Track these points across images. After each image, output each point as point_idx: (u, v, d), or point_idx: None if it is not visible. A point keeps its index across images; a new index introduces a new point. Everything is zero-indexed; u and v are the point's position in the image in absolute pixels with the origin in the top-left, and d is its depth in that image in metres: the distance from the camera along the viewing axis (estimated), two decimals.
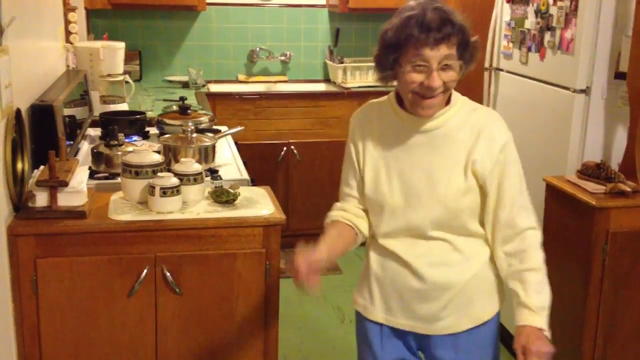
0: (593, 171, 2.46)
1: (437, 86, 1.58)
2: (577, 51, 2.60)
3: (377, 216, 1.75)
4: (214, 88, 4.38)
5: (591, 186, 2.41)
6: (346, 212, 1.81)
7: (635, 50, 2.40)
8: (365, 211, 1.80)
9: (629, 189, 2.36)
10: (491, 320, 1.77)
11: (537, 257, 1.68)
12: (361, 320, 1.85)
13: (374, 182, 1.73)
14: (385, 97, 1.80)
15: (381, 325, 1.80)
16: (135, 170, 2.05)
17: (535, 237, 1.69)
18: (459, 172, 1.66)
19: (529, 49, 2.96)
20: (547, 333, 1.63)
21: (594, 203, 2.33)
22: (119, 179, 2.16)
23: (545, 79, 2.82)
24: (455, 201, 1.65)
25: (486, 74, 3.29)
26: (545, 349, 1.58)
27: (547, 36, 2.81)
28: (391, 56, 1.62)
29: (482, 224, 1.72)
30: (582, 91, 2.61)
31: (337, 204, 1.85)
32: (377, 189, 1.72)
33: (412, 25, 1.56)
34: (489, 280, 1.76)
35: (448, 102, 1.69)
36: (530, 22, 2.95)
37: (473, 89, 3.38)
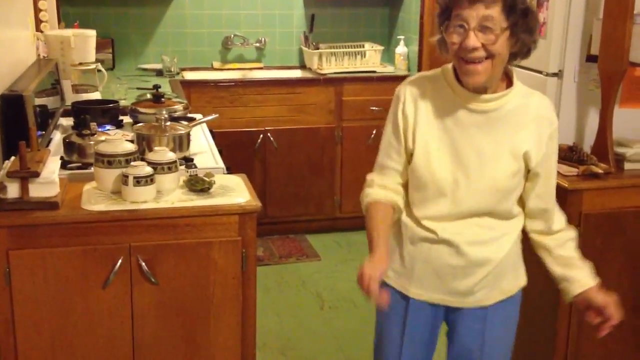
0: (566, 154, 2.49)
1: (472, 45, 1.55)
2: (550, 35, 2.62)
3: (421, 192, 1.74)
4: (189, 76, 4.35)
5: (564, 169, 2.44)
6: (387, 189, 1.78)
7: (605, 33, 2.42)
8: (404, 186, 1.79)
9: (601, 171, 2.39)
10: (517, 293, 1.86)
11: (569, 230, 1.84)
12: (388, 292, 1.76)
13: (425, 157, 1.71)
14: (438, 70, 1.77)
15: (410, 297, 1.82)
16: (108, 160, 2.03)
17: (563, 218, 1.84)
18: (511, 156, 1.68)
19: None
20: None
21: (566, 185, 2.36)
22: (91, 169, 2.14)
23: (518, 62, 2.83)
24: (504, 185, 1.69)
25: None
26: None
27: None
28: (442, 19, 1.62)
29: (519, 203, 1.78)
30: (554, 74, 2.63)
31: (376, 179, 1.81)
32: (428, 164, 1.70)
33: None
34: (518, 255, 1.84)
35: (509, 85, 1.69)
36: None
37: None
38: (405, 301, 1.83)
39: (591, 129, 2.61)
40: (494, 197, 1.70)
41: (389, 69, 4.47)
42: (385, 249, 1.69)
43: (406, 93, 1.76)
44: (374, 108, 4.28)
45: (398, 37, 4.52)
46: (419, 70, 4.28)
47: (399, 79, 4.43)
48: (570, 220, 2.35)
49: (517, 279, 1.86)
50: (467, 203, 1.70)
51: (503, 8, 1.55)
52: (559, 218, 1.83)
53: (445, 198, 1.71)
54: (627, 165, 2.48)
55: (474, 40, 1.55)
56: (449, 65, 1.73)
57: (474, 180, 1.68)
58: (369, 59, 4.48)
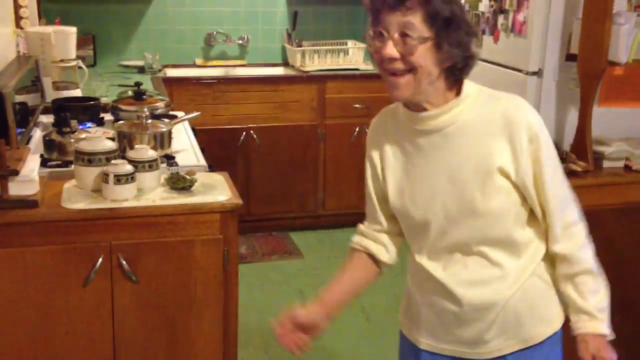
0: None
1: (388, 54, 1.40)
2: (530, 34, 2.64)
3: (406, 230, 1.60)
4: (171, 73, 4.33)
5: None
6: (365, 237, 1.67)
7: (585, 33, 2.44)
8: (389, 233, 1.66)
9: (579, 169, 2.42)
10: (547, 340, 1.58)
11: (586, 256, 1.53)
12: (403, 342, 1.72)
13: (397, 193, 1.56)
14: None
15: (421, 349, 1.64)
16: (89, 158, 2.02)
17: (580, 233, 1.54)
18: (484, 172, 1.46)
19: (483, 32, 2.98)
20: (610, 336, 1.54)
21: None
22: (72, 167, 2.13)
23: (499, 61, 2.86)
24: (485, 207, 1.46)
25: None
26: (612, 356, 1.52)
27: (501, 19, 2.84)
28: (369, 27, 1.47)
29: (529, 228, 1.53)
30: (534, 73, 2.65)
31: (360, 226, 1.69)
32: (400, 200, 1.56)
33: None
34: (541, 294, 1.56)
35: (459, 94, 1.49)
36: (484, 5, 2.97)
37: None
38: (417, 353, 1.65)
39: (570, 128, 2.64)
40: (480, 223, 1.48)
41: (371, 67, 4.48)
42: (324, 297, 1.65)
43: (370, 132, 1.64)
44: (357, 106, 4.29)
45: None
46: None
47: (381, 77, 4.46)
48: None
49: (543, 324, 1.57)
50: (454, 235, 1.51)
51: (425, 16, 1.39)
52: (558, 238, 1.52)
53: (428, 232, 1.53)
54: (606, 164, 2.51)
55: (390, 49, 1.40)
56: None
57: (452, 206, 1.49)
58: (352, 56, 4.49)
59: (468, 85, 1.51)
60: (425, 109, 1.48)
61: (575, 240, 1.53)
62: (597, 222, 2.44)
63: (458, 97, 1.48)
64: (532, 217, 1.53)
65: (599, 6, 2.36)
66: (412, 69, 1.41)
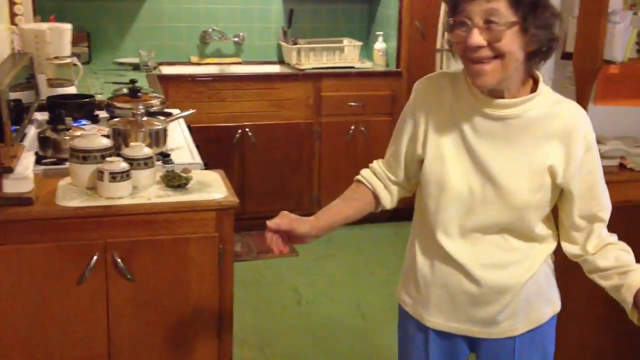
0: None
1: (475, 43, 1.39)
2: None
3: (433, 200, 1.58)
4: (166, 70, 4.32)
5: None
6: (375, 175, 1.69)
7: (580, 31, 2.44)
8: (400, 185, 1.68)
9: None
10: (549, 321, 1.68)
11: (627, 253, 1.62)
12: (407, 319, 1.73)
13: (438, 161, 1.55)
14: (461, 69, 1.57)
15: (429, 328, 1.67)
16: (83, 155, 2.02)
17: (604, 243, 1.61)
18: (532, 170, 1.51)
19: None
20: None
21: None
22: (66, 165, 2.12)
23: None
24: (522, 201, 1.51)
25: (438, 55, 3.31)
26: None
27: None
28: (450, 18, 1.47)
29: (547, 222, 1.60)
30: None
31: (375, 165, 1.71)
32: (441, 169, 1.55)
33: None
34: (548, 280, 1.66)
35: (534, 90, 1.51)
36: None
37: (426, 71, 3.41)
38: (424, 331, 1.68)
39: None
40: (512, 214, 1.53)
41: (367, 65, 4.48)
42: (319, 216, 1.64)
43: (421, 88, 1.62)
44: (352, 104, 4.28)
45: (377, 33, 4.53)
46: (397, 66, 4.29)
47: (377, 75, 4.48)
48: None
49: (548, 306, 1.67)
50: (482, 216, 1.54)
51: (510, 1, 1.38)
52: (597, 242, 1.60)
53: (459, 207, 1.55)
54: (603, 162, 2.50)
55: (477, 37, 1.39)
56: None
57: (490, 192, 1.52)
58: (348, 54, 4.48)
59: (545, 86, 1.53)
60: (502, 96, 1.50)
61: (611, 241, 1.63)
62: None
63: (533, 91, 1.51)
64: (551, 216, 1.61)
65: (594, 5, 2.36)
66: (499, 55, 1.41)
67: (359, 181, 1.71)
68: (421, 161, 1.60)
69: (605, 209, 1.60)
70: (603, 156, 2.50)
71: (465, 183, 1.53)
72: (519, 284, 1.58)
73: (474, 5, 1.39)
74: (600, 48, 2.37)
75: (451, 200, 1.55)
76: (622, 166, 2.52)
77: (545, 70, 2.63)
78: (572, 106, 1.54)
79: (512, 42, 1.40)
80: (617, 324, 2.56)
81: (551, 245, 1.63)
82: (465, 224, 1.56)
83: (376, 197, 1.69)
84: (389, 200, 1.69)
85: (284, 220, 1.60)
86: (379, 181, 1.69)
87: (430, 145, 1.57)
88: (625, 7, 2.51)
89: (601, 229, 1.60)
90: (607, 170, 2.48)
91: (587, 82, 2.45)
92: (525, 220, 1.54)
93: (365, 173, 1.71)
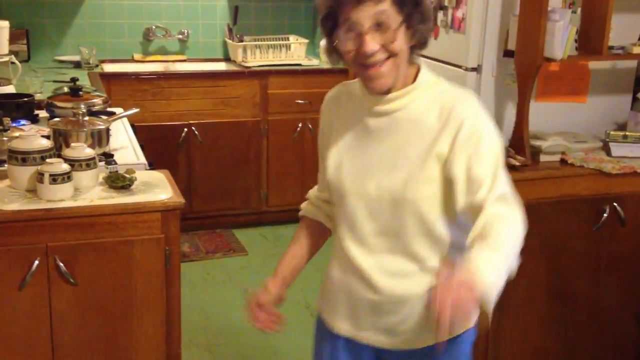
0: None
1: (370, 50, 1.37)
2: (468, 30, 2.68)
3: (337, 208, 1.58)
4: (109, 68, 4.23)
5: None
6: (311, 203, 1.71)
7: (521, 29, 2.49)
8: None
9: (518, 163, 2.47)
10: (462, 337, 1.58)
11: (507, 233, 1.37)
12: (320, 325, 1.71)
13: (336, 168, 1.55)
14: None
15: (337, 335, 1.64)
16: (22, 157, 1.96)
17: (516, 204, 1.41)
18: (422, 163, 1.45)
19: None
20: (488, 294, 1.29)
21: None
22: (5, 167, 2.05)
23: (439, 57, 2.89)
24: (412, 194, 1.45)
25: None
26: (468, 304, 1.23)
27: (440, 15, 2.87)
28: (328, 26, 1.44)
29: (453, 228, 1.50)
30: (473, 69, 2.69)
31: (310, 193, 1.73)
32: (337, 175, 1.55)
33: None
34: None
35: (415, 80, 1.48)
36: None
37: None
38: (334, 338, 1.65)
39: (509, 123, 2.69)
40: (407, 210, 1.46)
41: (314, 62, 4.48)
42: (277, 275, 1.69)
43: (324, 103, 1.64)
44: (299, 101, 4.28)
45: None
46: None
47: (324, 73, 4.48)
48: None
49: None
50: (381, 219, 1.50)
51: (394, 0, 1.37)
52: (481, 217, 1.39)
53: (359, 213, 1.52)
54: (543, 157, 2.57)
55: (371, 44, 1.37)
56: None
57: (385, 193, 1.48)
58: (294, 51, 4.48)
59: (425, 72, 1.50)
60: (389, 91, 1.47)
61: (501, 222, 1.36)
62: (535, 215, 2.49)
63: (414, 82, 1.48)
64: (459, 222, 1.48)
65: (534, 3, 2.41)
66: (391, 55, 1.40)
67: (302, 217, 1.73)
68: None
69: (485, 192, 1.38)
70: (545, 152, 2.57)
71: (362, 187, 1.51)
72: (417, 295, 1.50)
73: (362, 10, 1.37)
74: (541, 46, 2.41)
75: (352, 206, 1.53)
76: (563, 161, 2.58)
77: (487, 68, 2.68)
78: (457, 92, 1.49)
79: (401, 40, 1.40)
80: (559, 318, 2.63)
81: (462, 250, 1.47)
82: (368, 230, 1.52)
83: (323, 225, 1.70)
84: (333, 225, 1.67)
85: (252, 305, 1.66)
86: (318, 209, 1.70)
87: (330, 154, 1.57)
88: (564, 5, 2.58)
89: (489, 206, 1.38)
90: (548, 166, 2.56)
91: (528, 79, 2.50)
92: (423, 218, 1.46)
93: (304, 206, 1.73)
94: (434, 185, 1.45)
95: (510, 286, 2.55)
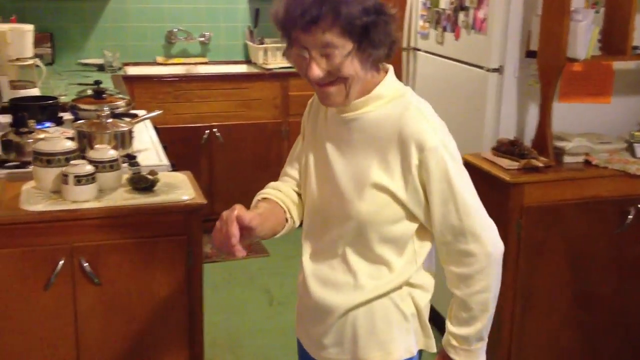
0: (507, 148, 2.54)
1: (315, 77, 1.35)
2: (490, 31, 2.67)
3: (305, 213, 1.57)
4: (131, 71, 4.27)
5: (506, 162, 2.49)
6: (280, 192, 1.58)
7: (544, 30, 2.47)
8: (300, 195, 1.61)
9: (541, 164, 2.45)
10: None
11: (480, 283, 1.45)
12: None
13: (304, 172, 1.55)
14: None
15: (301, 343, 1.64)
16: (47, 159, 1.98)
17: (479, 261, 1.43)
18: (365, 177, 1.41)
19: (445, 29, 3.01)
20: None
21: (508, 179, 2.41)
22: (30, 168, 2.08)
23: (460, 58, 2.88)
24: (355, 208, 1.42)
25: (404, 53, 3.33)
26: None
27: (461, 16, 2.86)
28: (284, 38, 1.40)
29: (397, 249, 1.46)
30: (495, 70, 2.68)
31: (272, 183, 1.63)
32: (305, 180, 1.54)
33: (283, 4, 1.35)
34: (386, 320, 1.48)
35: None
36: (445, 2, 3.00)
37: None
38: (300, 346, 1.64)
39: (531, 124, 2.67)
40: (349, 224, 1.43)
41: None
42: (258, 214, 1.45)
43: (306, 110, 1.62)
44: None
45: None
46: None
47: None
48: (512, 213, 2.42)
49: (378, 351, 1.49)
50: (332, 228, 1.47)
51: (341, 30, 1.31)
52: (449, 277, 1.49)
53: (315, 219, 1.51)
54: (566, 159, 2.55)
55: (316, 71, 1.34)
56: None
57: (336, 202, 1.45)
58: None
59: (388, 83, 1.44)
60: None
61: (473, 267, 1.44)
62: (558, 216, 2.50)
63: (369, 94, 1.42)
64: (407, 243, 1.46)
65: (557, 3, 2.39)
66: (341, 79, 1.36)
67: (267, 199, 1.57)
68: None
69: (440, 230, 1.42)
70: (568, 153, 2.55)
71: (320, 193, 1.49)
72: (342, 308, 1.46)
73: (309, 37, 1.32)
74: (564, 46, 2.40)
75: (310, 212, 1.53)
76: (587, 163, 2.56)
77: (509, 69, 2.66)
78: (415, 108, 1.41)
79: (351, 66, 1.34)
80: (583, 320, 2.61)
81: (399, 279, 1.46)
82: (321, 237, 1.50)
83: (287, 214, 1.57)
84: (297, 214, 1.59)
85: (240, 212, 1.38)
86: (286, 197, 1.58)
87: (301, 155, 1.57)
88: (587, 5, 2.56)
89: (440, 247, 1.46)
90: (571, 167, 2.55)
91: (551, 79, 2.48)
92: (363, 235, 1.43)
93: (272, 193, 1.59)
94: (375, 203, 1.41)
95: (533, 289, 2.55)
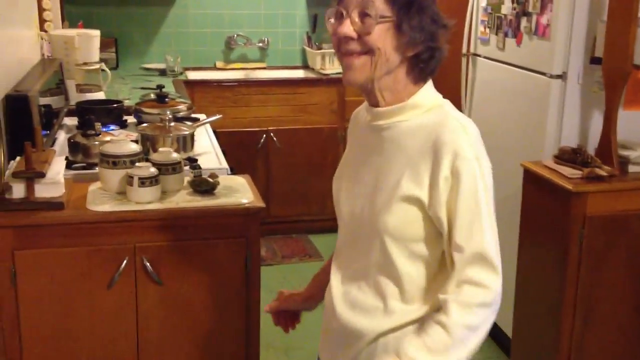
0: (569, 156, 2.49)
1: (343, 32, 1.29)
2: (553, 36, 2.62)
3: (339, 232, 1.51)
4: (192, 75, 4.35)
5: (568, 171, 2.44)
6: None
7: (609, 36, 2.42)
8: None
9: (605, 174, 2.39)
10: None
11: (460, 317, 1.26)
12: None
13: (336, 186, 1.50)
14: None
15: None
16: (113, 161, 2.04)
17: (473, 295, 1.27)
18: (399, 189, 1.32)
19: (506, 35, 2.97)
20: None
21: (570, 188, 2.36)
22: (96, 169, 2.15)
23: (522, 64, 2.84)
24: (387, 227, 1.33)
25: (464, 59, 3.30)
26: None
27: (524, 21, 2.82)
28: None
29: (425, 276, 1.36)
30: (558, 76, 2.63)
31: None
32: (337, 194, 1.48)
33: None
34: None
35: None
36: (507, 8, 2.96)
37: (451, 75, 3.40)
38: None
39: (595, 131, 2.61)
40: (377, 241, 1.34)
41: None
42: (308, 287, 1.71)
43: (352, 116, 1.56)
44: None
45: None
46: None
47: None
48: (574, 223, 2.37)
49: None
50: (360, 247, 1.40)
51: None
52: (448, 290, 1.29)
53: (347, 234, 1.45)
54: (632, 168, 2.48)
55: (347, 27, 1.28)
56: None
57: (366, 214, 1.37)
58: None
59: (426, 94, 1.37)
60: (378, 105, 1.37)
61: (462, 297, 1.27)
62: (621, 226, 2.43)
63: (404, 102, 1.35)
64: (438, 265, 1.36)
65: (624, 9, 2.34)
66: (368, 51, 1.30)
67: None
68: None
69: (457, 248, 1.28)
70: (633, 162, 2.48)
71: (351, 205, 1.42)
72: (372, 333, 1.38)
73: None
74: (630, 52, 2.34)
75: (342, 226, 1.47)
76: None
77: (573, 75, 2.61)
78: (453, 122, 1.31)
79: (382, 38, 1.28)
80: None
81: (430, 303, 1.34)
82: (347, 256, 1.45)
83: None
84: None
85: (279, 302, 1.74)
86: None
87: (336, 175, 1.52)
88: None
89: (454, 275, 1.29)
90: (636, 177, 2.48)
91: (617, 87, 2.42)
92: (386, 252, 1.34)
93: None
94: (403, 217, 1.32)
95: (594, 301, 2.49)
